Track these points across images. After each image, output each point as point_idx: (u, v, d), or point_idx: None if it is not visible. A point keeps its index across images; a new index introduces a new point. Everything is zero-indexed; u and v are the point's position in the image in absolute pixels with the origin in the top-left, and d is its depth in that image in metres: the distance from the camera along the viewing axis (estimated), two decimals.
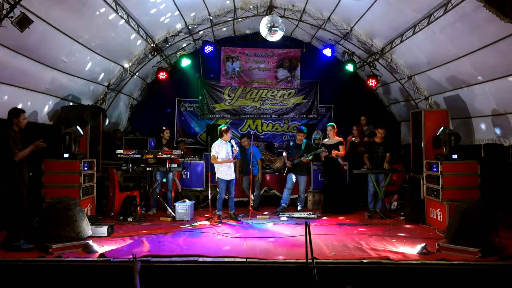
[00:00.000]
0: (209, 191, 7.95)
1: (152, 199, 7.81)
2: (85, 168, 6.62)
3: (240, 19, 9.19)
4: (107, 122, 9.21)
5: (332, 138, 7.87)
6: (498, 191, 6.78)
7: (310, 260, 3.85)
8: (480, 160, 6.74)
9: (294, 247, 5.32)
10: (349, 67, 9.39)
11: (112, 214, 7.32)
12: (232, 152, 7.21)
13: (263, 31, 7.93)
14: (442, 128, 6.83)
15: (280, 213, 7.66)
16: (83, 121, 7.12)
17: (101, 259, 4.77)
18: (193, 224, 6.84)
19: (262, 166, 8.32)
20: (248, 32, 10.60)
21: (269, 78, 10.99)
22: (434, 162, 6.71)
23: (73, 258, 4.78)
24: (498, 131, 6.88)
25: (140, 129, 10.62)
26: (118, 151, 7.26)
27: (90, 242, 5.12)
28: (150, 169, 7.40)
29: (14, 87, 6.06)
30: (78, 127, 6.74)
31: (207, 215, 7.40)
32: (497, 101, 6.64)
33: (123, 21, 7.08)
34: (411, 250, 5.12)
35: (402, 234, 6.07)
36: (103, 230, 5.80)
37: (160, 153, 7.28)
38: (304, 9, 8.68)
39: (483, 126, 7.27)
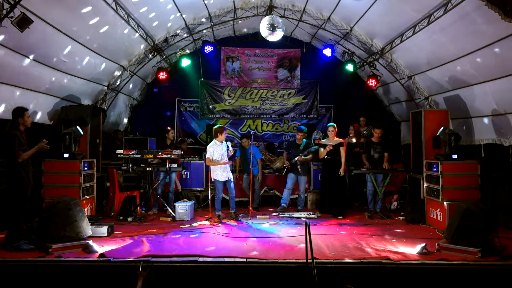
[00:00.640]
0: (209, 191, 7.95)
1: (153, 199, 7.82)
2: (85, 168, 6.62)
3: (240, 19, 9.19)
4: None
5: (332, 138, 7.68)
6: (498, 191, 6.79)
7: (310, 260, 3.85)
8: (480, 160, 6.74)
9: (294, 247, 5.32)
10: (349, 67, 9.39)
11: (112, 214, 7.32)
12: (228, 153, 7.18)
13: (263, 31, 7.93)
14: (442, 128, 6.83)
15: (280, 213, 7.66)
16: (83, 121, 7.12)
17: (101, 259, 4.77)
18: (193, 224, 6.84)
19: (262, 166, 8.32)
20: (248, 32, 10.60)
21: (269, 78, 10.99)
22: (434, 162, 6.71)
23: (73, 258, 4.78)
24: (498, 131, 6.88)
25: (140, 129, 10.62)
26: (118, 151, 7.26)
27: (90, 242, 5.12)
28: (150, 169, 7.40)
29: (14, 87, 6.06)
30: (78, 127, 6.74)
31: (207, 215, 7.40)
32: (497, 101, 6.64)
33: (123, 21, 7.08)
34: (411, 250, 5.12)
35: (402, 234, 6.07)
36: (103, 230, 5.80)
37: (160, 153, 7.28)
38: (304, 9, 8.68)
39: (483, 126, 7.27)
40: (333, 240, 5.72)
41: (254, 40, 10.55)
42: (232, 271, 4.59)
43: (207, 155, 7.17)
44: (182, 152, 7.70)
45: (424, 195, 7.04)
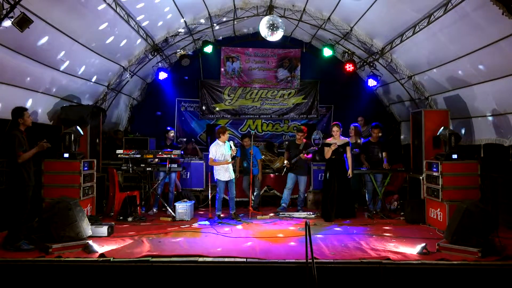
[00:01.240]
0: (209, 191, 7.95)
1: (153, 199, 7.82)
2: (85, 168, 6.62)
3: (240, 19, 9.19)
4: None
5: (338, 138, 7.35)
6: (498, 191, 6.79)
7: (310, 260, 3.84)
8: (480, 160, 6.74)
9: (294, 247, 5.32)
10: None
11: (112, 214, 7.32)
12: (231, 153, 7.18)
13: (263, 31, 7.92)
14: (442, 128, 6.83)
15: (280, 213, 7.66)
16: (83, 121, 7.12)
17: (101, 259, 4.76)
18: (193, 224, 6.84)
19: (262, 166, 8.32)
20: (248, 32, 10.59)
21: (269, 78, 10.99)
22: (434, 162, 6.71)
23: (73, 258, 4.78)
24: (498, 131, 6.88)
25: (140, 129, 10.63)
26: (118, 151, 7.27)
27: (90, 242, 5.12)
28: (150, 169, 7.40)
29: (14, 87, 6.06)
30: (78, 127, 6.74)
31: (208, 215, 7.40)
32: (497, 101, 6.64)
33: (123, 21, 7.08)
34: (411, 250, 5.12)
35: (402, 234, 6.06)
36: (103, 230, 5.80)
37: (160, 153, 7.28)
38: (304, 9, 8.68)
39: (483, 126, 7.27)
40: (333, 240, 5.72)
41: (254, 40, 10.55)
42: (232, 271, 4.59)
43: (210, 155, 7.18)
44: (182, 152, 7.70)
45: (424, 195, 7.04)
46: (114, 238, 5.71)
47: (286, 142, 10.66)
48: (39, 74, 6.48)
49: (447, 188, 6.43)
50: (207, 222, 6.97)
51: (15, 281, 4.46)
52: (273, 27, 7.80)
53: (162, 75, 9.46)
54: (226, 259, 4.77)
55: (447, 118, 7.36)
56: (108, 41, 7.43)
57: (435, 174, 6.60)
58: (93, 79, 8.12)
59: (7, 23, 4.82)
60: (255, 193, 8.03)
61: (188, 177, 8.77)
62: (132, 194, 7.46)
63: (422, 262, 4.69)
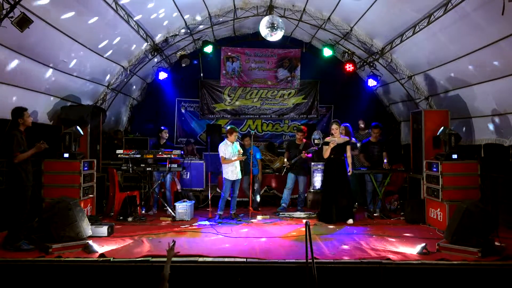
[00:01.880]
0: (209, 191, 7.95)
1: (153, 199, 7.82)
2: (85, 168, 6.62)
3: (240, 19, 9.19)
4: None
5: (338, 136, 7.06)
6: (498, 191, 6.79)
7: (310, 260, 3.84)
8: (480, 160, 6.74)
9: (294, 247, 5.32)
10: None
11: (112, 214, 7.32)
12: (237, 154, 7.20)
13: (263, 31, 7.92)
14: (442, 128, 6.83)
15: (280, 213, 7.66)
16: (83, 121, 7.12)
17: (101, 259, 4.77)
18: (193, 224, 6.84)
19: (262, 166, 8.32)
20: (248, 32, 10.59)
21: (269, 78, 11.00)
22: (434, 162, 6.71)
23: (73, 258, 4.78)
24: (498, 131, 6.88)
25: (140, 129, 10.63)
26: (118, 151, 7.27)
27: (90, 242, 5.12)
28: (150, 169, 7.40)
29: (14, 87, 6.06)
30: (78, 127, 6.74)
31: (208, 215, 7.40)
32: (497, 101, 6.64)
33: (123, 21, 7.07)
34: (411, 250, 5.12)
35: (402, 234, 6.06)
36: (103, 230, 5.80)
37: (160, 153, 7.28)
38: (304, 9, 8.68)
39: (483, 126, 7.27)
40: (333, 240, 5.72)
41: (254, 40, 10.55)
42: (232, 271, 4.58)
43: (220, 154, 7.20)
44: (183, 152, 7.70)
45: (424, 195, 7.04)
46: (114, 238, 5.71)
47: (286, 142, 10.68)
48: (39, 74, 6.48)
49: (447, 188, 6.43)
50: (207, 222, 6.97)
51: (15, 281, 4.46)
52: (273, 27, 7.80)
53: (162, 75, 9.46)
54: (226, 259, 4.77)
55: (447, 118, 7.36)
56: (108, 41, 7.42)
57: (435, 174, 6.60)
58: (93, 79, 8.11)
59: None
60: (255, 193, 8.03)
61: (188, 177, 8.76)
62: (132, 194, 7.46)
63: (422, 262, 4.69)
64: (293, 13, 8.92)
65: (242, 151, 7.30)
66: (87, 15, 6.34)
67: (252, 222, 7.07)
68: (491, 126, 7.02)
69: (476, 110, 7.29)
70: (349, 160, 7.09)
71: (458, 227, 5.06)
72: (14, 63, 5.74)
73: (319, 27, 9.08)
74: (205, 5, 8.35)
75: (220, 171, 7.53)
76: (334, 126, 7.10)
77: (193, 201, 7.79)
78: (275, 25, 7.80)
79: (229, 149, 7.17)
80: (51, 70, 6.64)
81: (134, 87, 10.39)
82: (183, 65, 9.48)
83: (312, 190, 8.53)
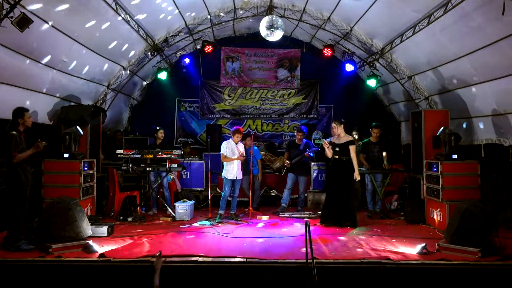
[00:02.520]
0: (209, 191, 7.95)
1: (151, 199, 7.81)
2: (85, 168, 6.62)
3: (240, 19, 9.19)
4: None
5: (338, 136, 6.77)
6: (498, 191, 6.79)
7: (310, 260, 3.84)
8: (480, 160, 6.74)
9: (294, 247, 5.32)
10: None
11: (112, 214, 7.32)
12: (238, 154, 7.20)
13: (263, 31, 7.93)
14: (442, 128, 6.83)
15: (280, 213, 7.66)
16: (83, 121, 7.12)
17: (101, 259, 4.76)
18: (193, 224, 6.84)
19: (262, 166, 8.32)
20: (248, 32, 10.59)
21: (269, 78, 10.99)
22: (434, 162, 6.71)
23: (73, 258, 4.78)
24: (498, 131, 6.88)
25: (140, 129, 10.63)
26: (118, 151, 7.27)
27: (90, 242, 5.11)
28: (150, 169, 7.40)
29: (14, 87, 6.06)
30: (78, 127, 6.74)
31: (208, 215, 7.40)
32: (497, 101, 6.64)
33: (123, 21, 7.08)
34: (411, 250, 5.12)
35: (402, 234, 6.06)
36: (103, 230, 5.80)
37: (160, 153, 7.28)
38: (304, 9, 8.68)
39: (483, 126, 7.27)
40: (333, 240, 5.72)
41: (254, 40, 10.54)
42: (232, 271, 4.58)
43: (222, 152, 7.23)
44: (182, 152, 7.70)
45: (424, 195, 7.04)
46: (114, 238, 5.70)
47: (286, 142, 10.68)
48: (39, 74, 6.48)
49: (447, 188, 6.42)
50: (207, 222, 6.97)
51: (15, 281, 4.46)
52: (273, 27, 7.80)
53: (162, 75, 9.46)
54: (226, 259, 4.77)
55: (447, 118, 7.36)
56: (108, 41, 7.43)
57: (435, 174, 6.60)
58: (93, 79, 8.11)
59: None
60: (255, 193, 8.03)
61: (188, 177, 8.77)
62: (132, 194, 7.46)
63: (422, 262, 4.69)
64: (293, 13, 8.92)
65: (243, 153, 7.28)
66: (87, 15, 6.35)
67: (252, 222, 7.07)
68: (491, 126, 7.02)
69: (476, 110, 7.29)
70: (354, 162, 6.59)
71: (458, 227, 5.06)
72: (14, 63, 5.74)
73: (319, 27, 9.08)
74: (205, 5, 8.35)
75: (220, 171, 7.53)
76: (333, 125, 6.89)
77: (193, 201, 7.79)
78: (275, 25, 7.80)
79: (230, 147, 7.19)
80: (51, 70, 6.64)
81: (134, 87, 10.39)
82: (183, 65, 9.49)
83: (312, 190, 8.53)
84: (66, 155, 6.48)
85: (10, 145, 5.03)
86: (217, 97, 11.14)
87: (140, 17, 7.57)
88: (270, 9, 8.77)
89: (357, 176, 6.59)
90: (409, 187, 8.02)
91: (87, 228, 5.36)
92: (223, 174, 7.25)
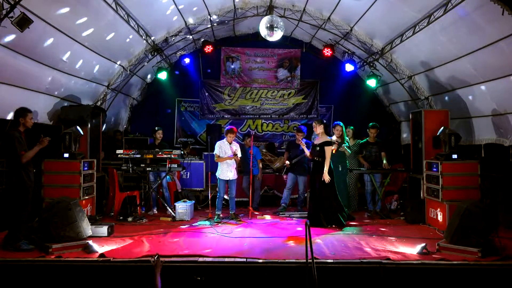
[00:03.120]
0: (209, 191, 7.95)
1: (151, 199, 7.81)
2: (85, 168, 6.62)
3: (240, 19, 9.19)
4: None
5: (320, 136, 6.76)
6: (498, 191, 6.79)
7: (310, 260, 3.85)
8: (480, 160, 6.74)
9: (294, 247, 5.32)
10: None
11: (112, 214, 7.32)
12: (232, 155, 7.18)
13: (263, 31, 7.92)
14: (442, 128, 6.83)
15: (280, 213, 7.66)
16: (83, 121, 7.12)
17: (101, 259, 4.77)
18: (193, 224, 6.84)
19: (262, 166, 8.32)
20: (248, 32, 10.59)
21: (269, 78, 10.99)
22: (434, 162, 6.70)
23: (73, 258, 4.78)
24: (498, 131, 6.88)
25: (140, 129, 10.63)
26: (118, 151, 7.27)
27: (90, 242, 5.12)
28: (150, 169, 7.40)
29: (14, 87, 6.06)
30: (78, 127, 6.74)
31: (208, 215, 7.40)
32: (497, 101, 6.64)
33: (123, 21, 7.08)
34: (411, 250, 5.12)
35: (402, 234, 6.06)
36: (103, 230, 5.80)
37: (160, 153, 7.28)
38: (304, 9, 8.68)
39: (483, 126, 7.27)
40: (333, 240, 5.72)
41: (254, 40, 10.54)
42: (232, 271, 4.58)
43: (215, 152, 7.24)
44: (183, 152, 7.70)
45: (424, 195, 7.03)
46: (114, 238, 5.71)
47: (286, 142, 10.68)
48: (39, 74, 6.48)
49: (447, 188, 6.42)
50: (207, 222, 6.97)
51: (15, 281, 4.46)
52: (272, 27, 7.80)
53: (162, 75, 9.45)
54: (226, 259, 4.77)
55: (447, 118, 7.36)
56: (108, 41, 7.42)
57: (435, 174, 6.60)
58: (93, 79, 8.12)
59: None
60: (255, 193, 8.04)
61: (188, 177, 8.77)
62: (132, 194, 7.46)
63: (422, 262, 4.69)
64: (293, 13, 8.92)
65: (236, 153, 7.24)
66: (87, 15, 6.34)
67: (252, 222, 7.07)
68: (491, 126, 7.02)
69: (476, 110, 7.29)
70: (326, 162, 6.45)
71: (458, 227, 5.06)
72: (14, 63, 5.74)
73: (319, 27, 9.08)
74: (205, 5, 8.35)
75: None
76: (313, 124, 7.00)
77: (193, 201, 7.79)
78: (275, 25, 7.80)
79: (224, 147, 7.18)
80: (51, 70, 6.64)
81: (134, 87, 10.40)
82: (183, 65, 9.49)
83: None
84: (66, 155, 6.47)
85: (14, 145, 5.01)
86: (217, 97, 11.14)
87: (140, 17, 7.56)
88: (270, 9, 8.77)
89: (324, 178, 6.44)
90: (409, 187, 8.02)
91: (87, 228, 5.36)
92: (217, 174, 7.24)
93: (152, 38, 8.64)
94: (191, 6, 8.25)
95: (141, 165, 7.35)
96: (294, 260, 4.66)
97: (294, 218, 7.36)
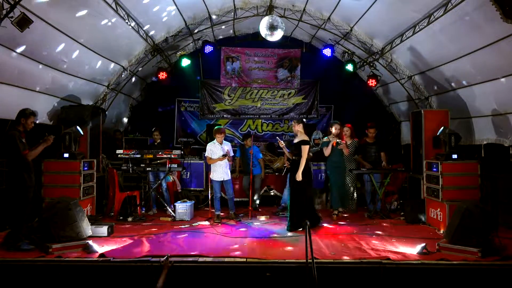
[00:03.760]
0: (209, 191, 7.95)
1: (151, 199, 7.81)
2: (85, 168, 6.62)
3: (240, 19, 9.18)
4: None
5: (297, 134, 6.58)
6: (498, 191, 6.79)
7: (310, 260, 3.84)
8: (480, 160, 6.74)
9: (294, 247, 5.32)
10: (349, 67, 9.39)
11: (112, 214, 7.32)
12: (225, 153, 7.15)
13: (263, 31, 7.92)
14: (442, 128, 6.83)
15: (280, 213, 7.66)
16: (83, 121, 7.12)
17: (101, 259, 4.77)
18: (193, 224, 6.84)
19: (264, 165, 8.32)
20: (248, 32, 10.58)
21: (269, 78, 10.98)
22: (434, 162, 6.70)
23: (73, 258, 4.78)
24: (498, 131, 6.88)
25: (140, 129, 10.63)
26: (118, 151, 7.27)
27: (90, 242, 5.12)
28: (150, 169, 7.40)
29: (14, 87, 6.06)
30: (78, 127, 6.75)
31: (207, 215, 7.40)
32: (497, 101, 6.65)
33: (123, 21, 7.07)
34: (411, 250, 5.12)
35: (402, 234, 6.06)
36: (103, 230, 5.80)
37: (160, 153, 7.28)
38: (304, 9, 8.68)
39: (483, 126, 7.27)
40: (333, 240, 5.72)
41: (254, 40, 10.53)
42: (232, 271, 4.58)
43: (206, 154, 7.27)
44: (182, 152, 7.69)
45: (424, 195, 7.03)
46: (114, 238, 5.71)
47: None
48: (39, 74, 6.48)
49: (447, 188, 6.42)
50: (207, 222, 6.97)
51: (15, 281, 4.46)
52: (273, 27, 7.79)
53: (163, 75, 9.44)
54: (226, 259, 4.77)
55: (447, 118, 7.36)
56: (108, 41, 7.42)
57: (435, 174, 6.60)
58: (93, 79, 8.11)
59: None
60: (255, 193, 8.03)
61: (188, 177, 8.77)
62: (132, 194, 7.46)
63: (422, 262, 4.69)
64: (293, 13, 8.92)
65: (229, 153, 7.20)
66: (87, 15, 6.34)
67: (252, 222, 7.06)
68: (491, 126, 7.02)
69: (476, 110, 7.29)
70: (301, 162, 6.26)
71: (458, 227, 5.06)
72: (14, 63, 5.74)
73: (319, 27, 9.08)
74: (205, 5, 8.34)
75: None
76: (292, 122, 6.87)
77: (193, 201, 7.79)
78: (275, 25, 7.79)
79: (213, 148, 7.18)
80: (51, 70, 6.64)
81: (134, 87, 10.39)
82: (183, 65, 9.48)
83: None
84: (66, 155, 6.48)
85: (15, 145, 5.00)
86: (217, 97, 11.14)
87: (140, 17, 7.56)
88: (270, 9, 8.77)
89: (297, 178, 6.24)
90: (409, 187, 8.02)
91: (87, 228, 5.36)
92: (210, 175, 7.24)
93: (152, 38, 8.64)
94: (191, 6, 8.24)
95: (141, 165, 7.35)
96: (294, 260, 4.67)
97: None
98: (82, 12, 6.17)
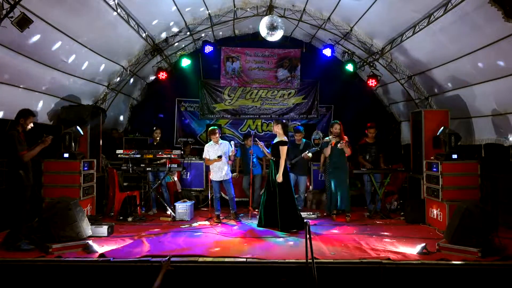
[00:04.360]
0: (209, 191, 7.95)
1: (151, 199, 7.81)
2: (85, 168, 6.62)
3: (240, 19, 9.18)
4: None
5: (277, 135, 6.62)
6: (498, 191, 6.79)
7: (310, 260, 3.84)
8: (480, 160, 6.74)
9: (294, 247, 5.32)
10: (349, 67, 9.39)
11: (112, 214, 7.32)
12: (226, 154, 7.16)
13: (263, 31, 7.92)
14: (442, 128, 6.83)
15: None
16: (83, 121, 7.12)
17: (101, 259, 4.77)
18: (193, 224, 6.84)
19: (264, 166, 8.32)
20: (248, 32, 10.58)
21: (269, 78, 10.98)
22: (434, 162, 6.70)
23: (73, 258, 4.78)
24: (498, 131, 6.88)
25: (140, 129, 10.63)
26: (118, 151, 7.27)
27: (90, 242, 5.12)
28: (150, 169, 7.40)
29: (14, 87, 6.06)
30: (78, 127, 6.75)
31: (207, 215, 7.40)
32: (497, 101, 6.65)
33: (123, 21, 7.07)
34: (411, 250, 5.12)
35: (402, 234, 6.06)
36: (103, 230, 5.80)
37: (160, 153, 7.28)
38: (304, 9, 8.68)
39: (483, 126, 7.27)
40: (333, 240, 5.72)
41: (254, 40, 10.53)
42: (232, 271, 4.58)
43: (203, 155, 7.29)
44: (182, 152, 7.69)
45: (424, 195, 7.04)
46: (114, 238, 5.71)
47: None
48: (39, 74, 6.48)
49: (447, 188, 6.42)
50: (207, 222, 6.97)
51: (15, 281, 4.46)
52: (273, 27, 7.79)
53: (162, 75, 9.44)
54: (226, 259, 4.77)
55: (447, 118, 7.37)
56: (108, 41, 7.42)
57: (435, 174, 6.60)
58: (93, 79, 8.11)
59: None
60: (255, 193, 8.03)
61: (188, 177, 8.78)
62: (132, 194, 7.46)
63: (422, 262, 4.69)
64: (293, 13, 8.92)
65: (234, 152, 7.23)
66: (87, 15, 6.34)
67: (252, 222, 7.06)
68: (491, 126, 7.02)
69: (476, 110, 7.29)
70: (281, 162, 6.28)
71: (458, 227, 5.06)
72: (14, 63, 5.74)
73: (319, 27, 9.08)
74: (205, 5, 8.35)
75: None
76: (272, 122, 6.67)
77: (193, 201, 7.79)
78: (275, 25, 7.79)
79: (211, 149, 7.19)
80: (51, 70, 6.64)
81: (134, 87, 10.39)
82: (183, 65, 9.48)
83: (312, 190, 8.53)
84: (66, 155, 6.48)
85: (14, 145, 5.01)
86: (217, 97, 11.14)
87: (140, 17, 7.56)
88: (270, 9, 8.77)
89: (278, 179, 6.25)
90: (409, 187, 8.01)
91: (87, 228, 5.36)
92: (210, 176, 7.25)
93: (152, 38, 8.64)
94: (191, 6, 8.24)
95: (141, 165, 7.35)
96: (294, 260, 4.66)
97: None
98: (82, 12, 6.17)
